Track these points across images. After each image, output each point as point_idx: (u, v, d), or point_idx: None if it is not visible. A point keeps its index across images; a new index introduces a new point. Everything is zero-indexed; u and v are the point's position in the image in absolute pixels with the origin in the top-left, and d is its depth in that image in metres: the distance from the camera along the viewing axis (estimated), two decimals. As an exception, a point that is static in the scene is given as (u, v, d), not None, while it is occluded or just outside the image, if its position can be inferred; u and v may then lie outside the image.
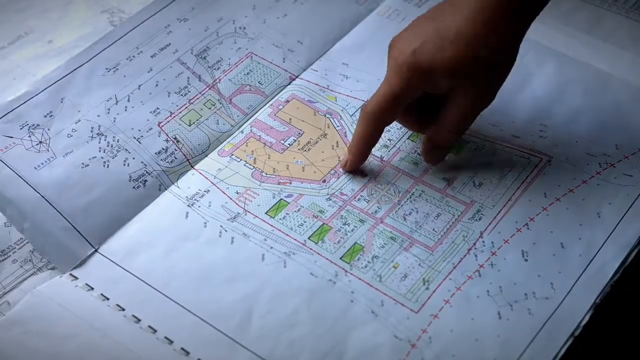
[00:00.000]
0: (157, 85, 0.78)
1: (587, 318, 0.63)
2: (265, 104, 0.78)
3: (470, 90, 0.68)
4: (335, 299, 0.65)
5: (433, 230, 0.69)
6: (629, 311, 0.67)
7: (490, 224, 0.69)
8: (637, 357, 0.67)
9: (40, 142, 0.72)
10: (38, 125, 0.73)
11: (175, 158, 0.73)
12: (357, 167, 0.73)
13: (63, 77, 0.76)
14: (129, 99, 0.76)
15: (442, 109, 0.69)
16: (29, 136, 0.72)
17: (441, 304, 0.64)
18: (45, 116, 0.74)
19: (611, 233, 0.68)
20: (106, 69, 0.78)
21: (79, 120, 0.74)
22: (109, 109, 0.75)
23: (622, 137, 0.75)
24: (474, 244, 0.68)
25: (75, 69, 0.77)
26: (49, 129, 0.73)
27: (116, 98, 0.76)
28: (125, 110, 0.75)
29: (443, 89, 0.68)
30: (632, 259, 0.66)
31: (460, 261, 0.67)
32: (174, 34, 0.81)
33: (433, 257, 0.67)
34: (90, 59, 0.78)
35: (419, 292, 0.65)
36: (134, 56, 0.79)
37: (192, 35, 0.81)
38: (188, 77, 0.79)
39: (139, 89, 0.77)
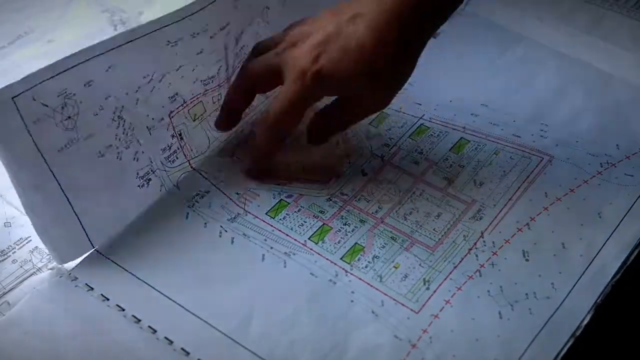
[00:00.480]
0: (194, 70, 0.73)
1: (588, 318, 0.63)
2: (266, 103, 0.78)
3: (367, 99, 0.69)
4: (336, 299, 0.65)
5: (434, 230, 0.69)
6: (630, 311, 0.67)
7: (491, 223, 0.69)
8: (639, 358, 0.67)
9: (69, 117, 0.67)
10: (74, 94, 0.66)
11: (177, 157, 0.73)
12: (264, 172, 0.73)
13: (121, 44, 0.68)
14: (161, 79, 0.71)
15: (334, 103, 0.70)
16: (62, 107, 0.66)
17: (442, 304, 0.64)
18: (85, 85, 0.67)
19: (612, 233, 0.68)
20: (167, 41, 0.71)
21: (108, 97, 0.68)
22: (139, 87, 0.70)
23: (623, 137, 0.75)
24: (475, 243, 0.68)
25: (136, 39, 0.69)
26: (81, 102, 0.67)
27: (152, 76, 0.70)
28: (151, 91, 0.71)
29: (341, 95, 0.69)
30: (633, 259, 0.66)
31: (460, 261, 0.67)
32: (238, 11, 0.75)
33: (434, 257, 0.67)
34: (158, 29, 0.70)
35: (420, 292, 0.65)
36: (197, 33, 0.72)
37: (242, 16, 0.76)
38: (220, 67, 0.74)
39: (177, 71, 0.72)
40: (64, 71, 0.65)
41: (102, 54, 0.67)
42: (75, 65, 0.66)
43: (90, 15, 0.87)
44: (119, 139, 0.70)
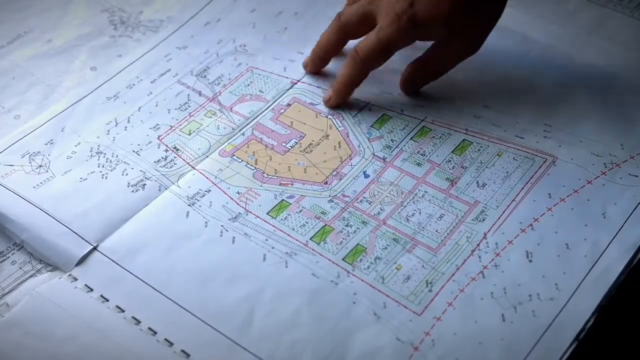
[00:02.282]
0: (156, 105, 0.78)
1: (592, 320, 0.62)
2: (267, 108, 0.78)
3: (460, 41, 0.74)
4: (337, 300, 0.64)
5: (436, 231, 0.68)
6: (635, 313, 0.67)
7: (494, 224, 0.68)
8: (644, 360, 0.66)
9: (40, 165, 0.73)
10: (39, 152, 0.74)
11: (175, 164, 0.73)
12: (339, 105, 0.77)
13: (64, 110, 0.78)
14: (128, 120, 0.77)
15: (427, 51, 0.76)
16: (29, 162, 0.73)
17: (444, 306, 0.64)
18: (45, 144, 0.75)
19: (617, 234, 0.67)
20: (107, 97, 0.79)
21: (78, 144, 0.75)
22: (108, 131, 0.76)
23: (627, 137, 0.74)
24: (478, 245, 0.67)
25: (75, 102, 0.78)
26: (49, 155, 0.74)
27: (116, 121, 0.77)
28: (125, 129, 0.76)
29: (434, 39, 0.74)
30: (638, 260, 0.66)
31: (463, 263, 0.66)
32: (173, 61, 0.83)
33: (436, 258, 0.67)
34: (91, 92, 0.80)
35: (422, 294, 0.64)
36: (134, 84, 0.80)
37: (192, 59, 0.83)
38: (188, 94, 0.79)
39: (139, 110, 0.78)
40: (14, 143, 0.75)
41: (48, 120, 0.77)
42: (25, 136, 0.75)
43: (90, 15, 0.87)
44: (102, 166, 0.73)
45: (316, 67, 0.80)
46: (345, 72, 0.76)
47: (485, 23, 0.74)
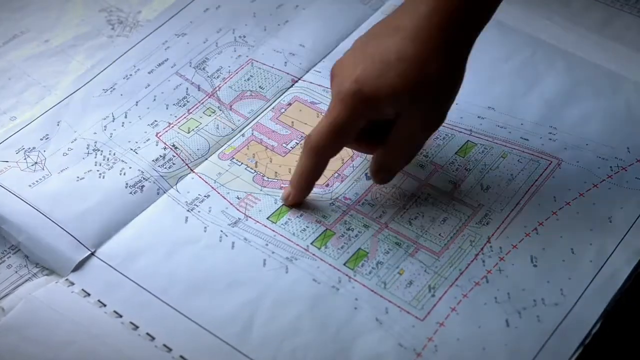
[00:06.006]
0: (154, 99, 0.78)
1: (597, 326, 0.62)
2: (267, 108, 0.77)
3: (417, 115, 0.64)
4: (339, 306, 0.64)
5: (439, 235, 0.68)
6: (641, 319, 0.66)
7: (498, 228, 0.68)
8: (650, 366, 0.66)
9: (36, 162, 0.72)
10: (34, 148, 0.73)
11: (174, 164, 0.73)
12: (300, 202, 0.69)
13: (59, 102, 0.77)
14: (126, 115, 0.76)
15: (390, 132, 0.66)
16: (25, 159, 0.73)
17: (447, 312, 0.63)
18: (41, 139, 0.74)
19: (623, 238, 0.67)
20: (103, 89, 0.78)
21: (75, 140, 0.74)
22: (105, 126, 0.75)
23: (633, 140, 0.74)
24: (482, 249, 0.67)
25: (71, 93, 0.78)
26: (44, 151, 0.73)
27: (113, 115, 0.76)
28: (122, 125, 0.75)
29: (389, 116, 0.65)
30: (644, 265, 0.66)
31: (467, 267, 0.66)
32: (171, 49, 0.82)
33: (439, 262, 0.66)
34: (87, 82, 0.79)
35: (425, 299, 0.64)
36: (130, 75, 0.79)
37: (191, 49, 0.82)
38: (187, 88, 0.78)
39: (137, 105, 0.77)
40: (9, 138, 0.74)
41: (44, 113, 0.76)
42: (20, 130, 0.75)
43: (88, 15, 0.87)
44: (99, 164, 0.72)
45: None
46: (299, 162, 0.67)
47: (439, 94, 0.65)
